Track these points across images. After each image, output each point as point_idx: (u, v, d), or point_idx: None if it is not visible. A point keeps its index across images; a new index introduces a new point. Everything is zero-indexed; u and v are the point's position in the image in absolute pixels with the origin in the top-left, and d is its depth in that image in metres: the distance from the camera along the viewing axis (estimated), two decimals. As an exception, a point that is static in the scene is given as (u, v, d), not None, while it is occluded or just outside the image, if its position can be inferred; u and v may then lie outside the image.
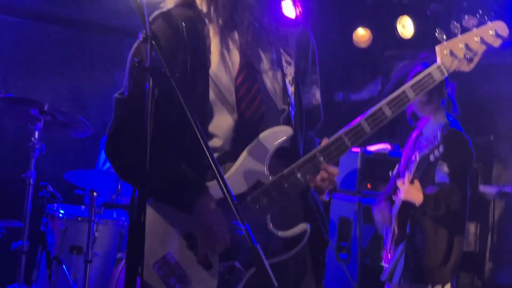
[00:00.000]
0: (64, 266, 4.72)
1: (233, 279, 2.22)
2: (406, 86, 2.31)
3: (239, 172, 2.24)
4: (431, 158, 3.95)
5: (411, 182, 3.95)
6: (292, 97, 2.37)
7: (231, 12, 2.30)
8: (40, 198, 5.05)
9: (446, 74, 2.36)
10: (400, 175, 4.33)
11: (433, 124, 4.26)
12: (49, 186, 5.07)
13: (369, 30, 6.39)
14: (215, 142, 2.26)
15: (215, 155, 2.24)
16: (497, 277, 5.94)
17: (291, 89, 2.37)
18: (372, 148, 5.97)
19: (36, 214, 5.05)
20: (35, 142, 4.57)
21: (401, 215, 4.17)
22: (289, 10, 6.15)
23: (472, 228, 6.10)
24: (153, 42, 1.89)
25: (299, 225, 2.28)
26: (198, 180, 2.22)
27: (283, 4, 6.11)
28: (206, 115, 2.25)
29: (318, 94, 2.54)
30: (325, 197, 2.43)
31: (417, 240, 4.13)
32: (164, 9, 2.32)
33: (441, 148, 3.95)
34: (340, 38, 6.66)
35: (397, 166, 4.48)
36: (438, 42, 7.01)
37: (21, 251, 4.88)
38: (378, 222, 4.47)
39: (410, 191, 3.98)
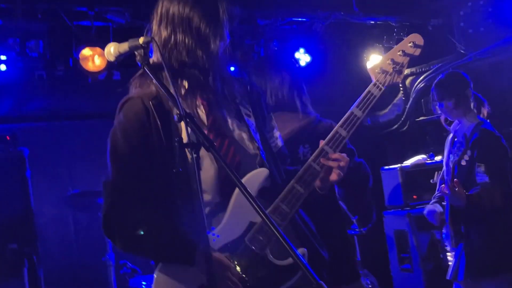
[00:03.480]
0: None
1: None
2: (353, 107, 2.42)
3: (232, 219, 2.25)
4: (462, 162, 3.92)
5: (452, 187, 3.86)
6: (260, 142, 2.40)
7: (193, 83, 2.32)
8: (122, 275, 5.04)
9: (382, 89, 2.46)
10: (445, 178, 4.23)
11: (464, 125, 4.16)
12: (128, 263, 5.08)
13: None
14: (206, 197, 2.24)
15: (207, 209, 2.24)
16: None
17: (257, 136, 2.41)
18: (409, 162, 5.88)
19: (122, 290, 5.06)
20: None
21: (453, 217, 4.08)
22: (303, 58, 6.20)
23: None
24: (187, 119, 1.91)
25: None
26: (192, 233, 2.18)
27: (297, 54, 6.15)
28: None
29: (279, 137, 2.61)
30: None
31: (473, 239, 4.01)
32: (131, 95, 2.33)
33: (469, 152, 3.90)
34: (354, 67, 6.59)
35: (436, 173, 4.35)
36: (447, 53, 6.87)
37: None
38: (435, 222, 4.32)
39: (453, 195, 3.91)
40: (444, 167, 4.29)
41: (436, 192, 4.38)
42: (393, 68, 2.49)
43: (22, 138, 4.84)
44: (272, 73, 3.48)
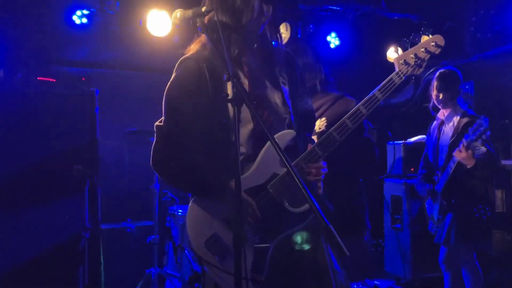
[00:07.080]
0: (186, 251, 4.81)
1: (264, 248, 2.23)
2: (376, 90, 2.39)
3: (259, 168, 2.28)
4: (479, 142, 3.92)
5: (466, 150, 3.92)
6: (291, 107, 2.41)
7: (240, 51, 2.32)
8: (164, 202, 5.18)
9: (403, 78, 2.43)
10: (428, 157, 4.32)
11: (452, 114, 4.28)
12: (169, 193, 5.20)
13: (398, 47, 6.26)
14: (241, 149, 2.29)
15: (241, 157, 2.28)
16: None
17: (289, 102, 2.41)
18: (412, 139, 5.87)
19: (162, 214, 5.18)
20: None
21: (446, 190, 4.13)
22: (333, 41, 6.18)
23: (499, 194, 5.88)
24: (235, 80, 1.90)
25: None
26: (227, 175, 2.23)
27: (328, 37, 6.08)
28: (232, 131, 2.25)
29: (310, 102, 2.59)
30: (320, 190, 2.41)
31: (464, 210, 4.09)
32: (188, 55, 2.36)
33: (488, 133, 3.92)
34: (377, 54, 6.54)
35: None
36: (456, 53, 6.77)
37: (153, 243, 5.10)
38: (423, 195, 4.38)
39: (464, 157, 3.94)
40: (428, 147, 4.35)
41: (419, 170, 4.47)
42: (415, 62, 2.45)
43: (95, 81, 4.93)
44: (299, 54, 3.39)
